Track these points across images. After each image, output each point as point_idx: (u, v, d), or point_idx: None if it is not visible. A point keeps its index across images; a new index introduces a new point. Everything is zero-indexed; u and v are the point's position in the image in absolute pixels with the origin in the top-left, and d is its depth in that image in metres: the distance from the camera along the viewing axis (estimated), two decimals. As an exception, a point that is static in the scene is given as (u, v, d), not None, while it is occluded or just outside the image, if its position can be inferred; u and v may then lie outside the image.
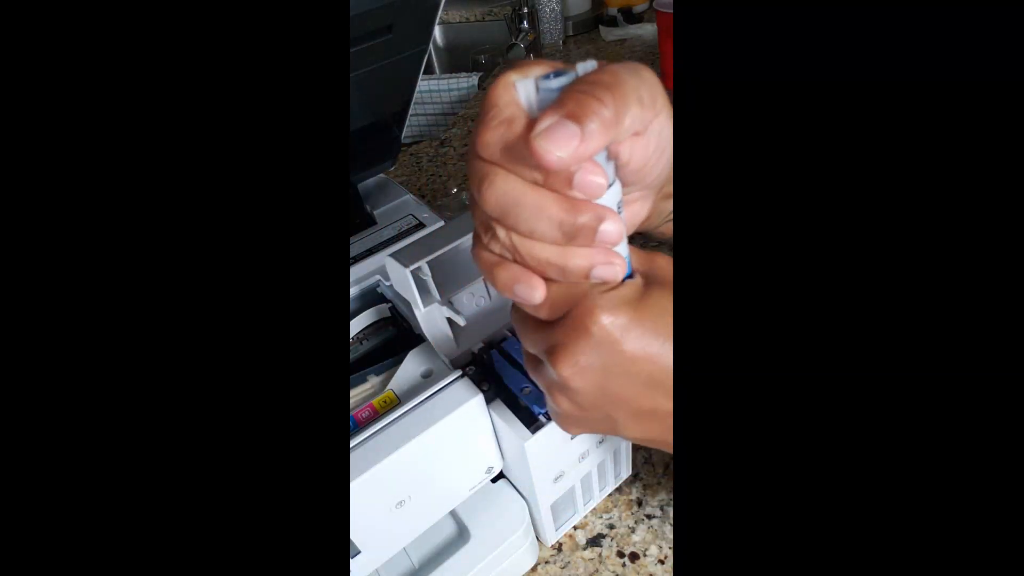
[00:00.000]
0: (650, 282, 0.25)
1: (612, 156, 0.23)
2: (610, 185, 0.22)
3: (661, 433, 0.26)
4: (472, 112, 1.11)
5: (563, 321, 0.24)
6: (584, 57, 1.16)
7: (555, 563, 0.44)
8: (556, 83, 0.21)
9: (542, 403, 0.34)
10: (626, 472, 0.47)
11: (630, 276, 0.25)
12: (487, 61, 1.41)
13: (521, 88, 0.21)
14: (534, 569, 0.44)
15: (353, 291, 0.44)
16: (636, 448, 0.48)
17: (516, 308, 0.26)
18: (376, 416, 0.34)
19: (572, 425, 0.28)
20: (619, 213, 0.23)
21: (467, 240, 0.35)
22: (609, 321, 0.23)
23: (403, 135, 0.56)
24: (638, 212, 0.29)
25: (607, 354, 0.23)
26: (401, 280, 0.34)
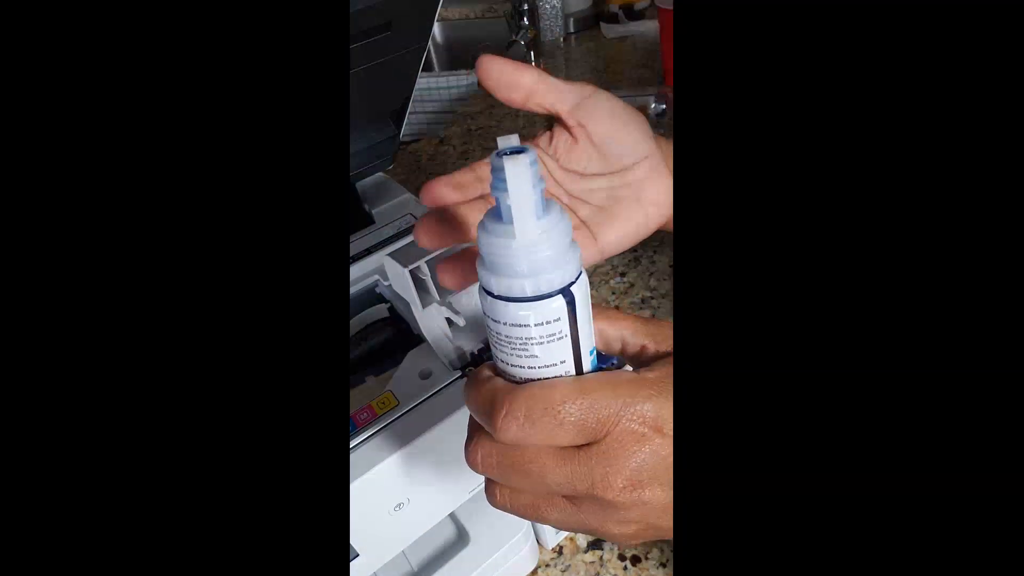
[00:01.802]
0: (662, 352, 0.23)
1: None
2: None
3: None
4: (472, 110, 1.10)
5: (603, 443, 0.20)
6: (586, 55, 1.15)
7: (555, 567, 0.44)
8: (496, 162, 0.18)
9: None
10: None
11: (615, 363, 0.24)
12: (487, 59, 1.40)
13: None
14: (534, 573, 0.44)
15: (352, 291, 0.44)
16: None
17: (513, 452, 0.22)
18: (375, 417, 0.34)
19: (644, 537, 0.23)
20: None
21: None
22: (653, 417, 0.20)
23: (402, 133, 0.55)
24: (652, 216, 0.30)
25: (659, 451, 0.21)
26: (400, 280, 0.34)
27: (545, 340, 0.21)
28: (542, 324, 0.20)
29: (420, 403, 0.34)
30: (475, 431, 0.23)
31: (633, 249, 0.71)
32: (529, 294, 0.20)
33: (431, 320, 0.37)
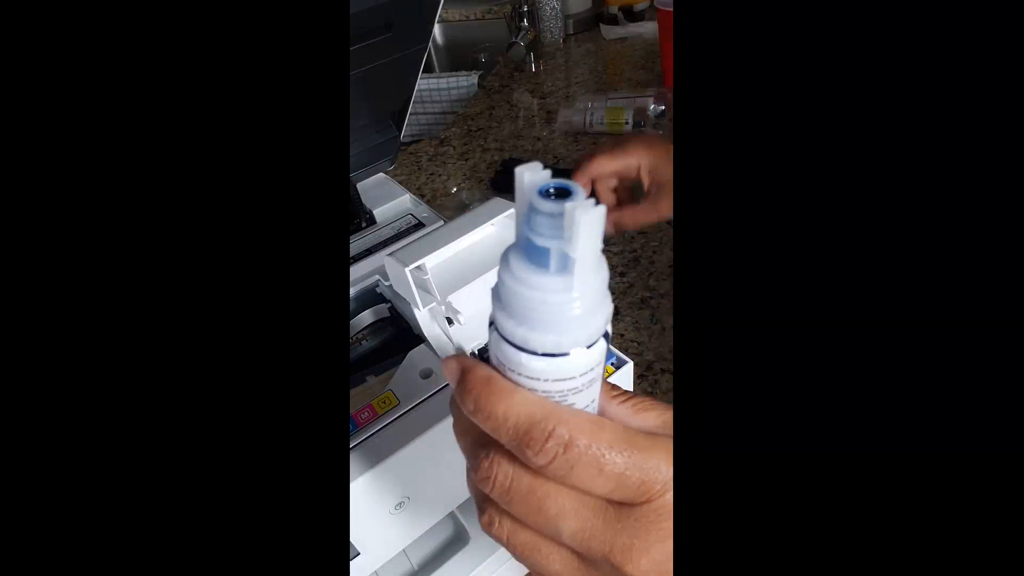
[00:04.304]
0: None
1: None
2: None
3: None
4: (472, 111, 1.11)
5: (640, 509, 0.19)
6: (585, 56, 1.15)
7: (555, 564, 0.44)
8: (549, 207, 0.16)
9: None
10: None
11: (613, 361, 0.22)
12: (487, 60, 1.41)
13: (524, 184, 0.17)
14: (534, 571, 0.44)
15: (352, 291, 0.44)
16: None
17: (535, 482, 0.19)
18: (375, 417, 0.34)
19: None
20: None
21: (467, 239, 0.35)
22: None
23: (402, 134, 0.55)
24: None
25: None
26: (400, 280, 0.34)
27: (584, 387, 0.19)
28: (586, 372, 0.19)
29: (420, 403, 0.34)
30: (489, 444, 0.20)
31: (633, 249, 0.71)
32: (580, 345, 0.18)
33: (431, 320, 0.37)
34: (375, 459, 0.31)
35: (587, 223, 0.15)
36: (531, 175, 0.16)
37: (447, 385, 0.35)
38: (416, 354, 0.38)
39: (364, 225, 0.50)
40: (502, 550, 0.40)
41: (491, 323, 0.19)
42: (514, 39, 1.19)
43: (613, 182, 0.56)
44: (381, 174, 0.56)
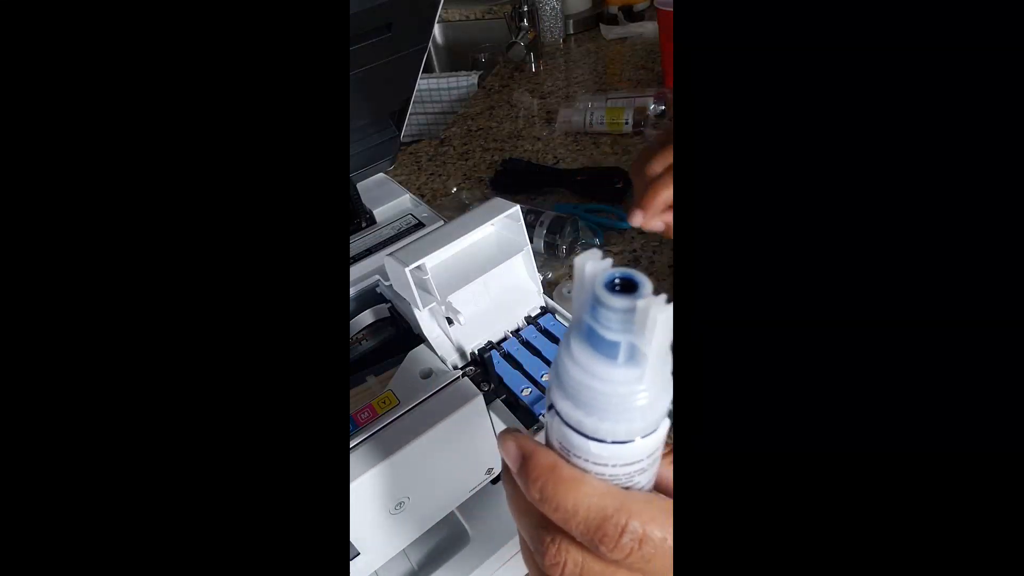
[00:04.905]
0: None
1: None
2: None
3: None
4: (472, 111, 1.11)
5: None
6: (585, 56, 1.15)
7: (555, 564, 0.44)
8: (620, 303, 0.16)
9: (542, 403, 0.34)
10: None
11: None
12: (487, 60, 1.41)
13: (586, 271, 0.17)
14: (534, 570, 0.44)
15: (352, 291, 0.44)
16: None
17: (608, 570, 0.19)
18: (375, 417, 0.34)
19: None
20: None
21: (467, 239, 0.35)
22: None
23: (402, 134, 0.55)
24: None
25: None
26: (400, 280, 0.34)
27: (650, 467, 0.19)
28: (653, 453, 0.19)
29: (420, 403, 0.34)
30: (553, 527, 0.19)
31: (633, 249, 0.71)
32: (649, 431, 0.18)
33: (431, 320, 0.37)
34: (375, 459, 0.31)
35: (663, 321, 0.15)
36: (593, 265, 0.16)
37: (447, 385, 0.35)
38: (416, 354, 0.38)
39: (364, 225, 0.50)
40: (502, 550, 0.40)
41: (550, 407, 0.19)
42: (514, 39, 1.19)
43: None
44: (381, 174, 0.56)
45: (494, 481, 0.42)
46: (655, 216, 0.44)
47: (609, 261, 0.16)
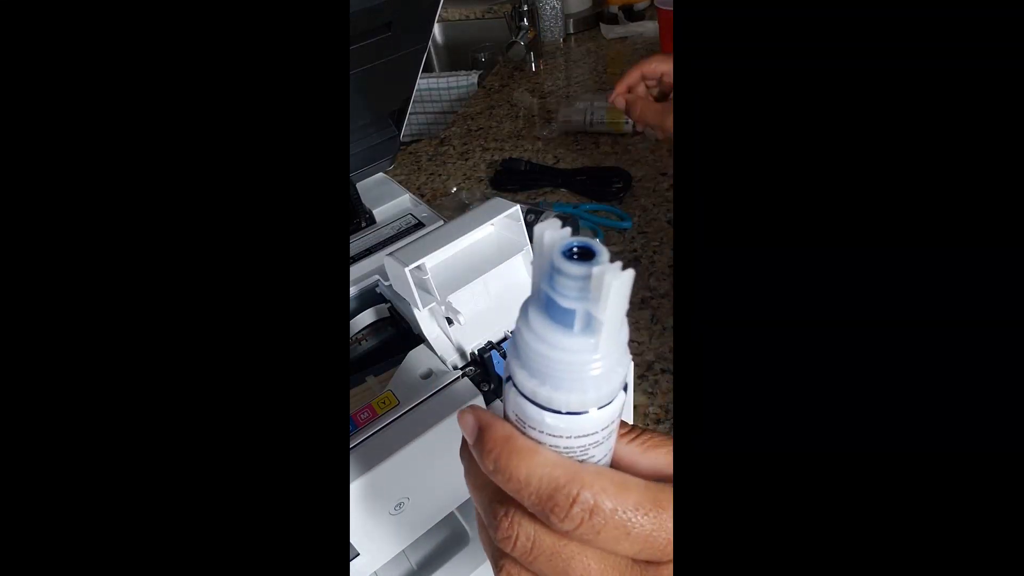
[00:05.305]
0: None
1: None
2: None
3: None
4: (472, 111, 1.11)
5: (665, 568, 0.19)
6: (585, 55, 1.15)
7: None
8: (576, 270, 0.15)
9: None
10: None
11: None
12: (487, 59, 1.41)
13: (544, 239, 0.16)
14: (534, 570, 0.44)
15: (352, 291, 0.44)
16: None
17: (558, 543, 0.19)
18: (375, 417, 0.34)
19: None
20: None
21: (467, 239, 0.35)
22: None
23: (402, 134, 0.55)
24: None
25: None
26: (400, 280, 0.34)
27: (604, 440, 0.19)
28: (608, 426, 0.18)
29: (420, 403, 0.34)
30: (508, 501, 0.19)
31: (633, 249, 0.71)
32: (603, 403, 0.18)
33: (431, 320, 0.37)
34: (375, 459, 0.31)
35: (617, 288, 0.15)
36: (552, 233, 0.16)
37: (447, 385, 0.35)
38: (416, 354, 0.38)
39: (364, 225, 0.50)
40: (502, 550, 0.40)
41: (507, 378, 0.19)
42: (514, 38, 1.19)
43: (653, 82, 0.68)
44: (381, 174, 0.56)
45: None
46: (620, 91, 0.62)
47: (568, 230, 0.16)
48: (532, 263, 0.17)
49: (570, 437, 0.18)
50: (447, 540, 0.42)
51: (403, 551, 0.41)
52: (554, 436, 0.18)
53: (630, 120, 0.90)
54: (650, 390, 0.56)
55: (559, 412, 0.18)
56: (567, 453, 0.19)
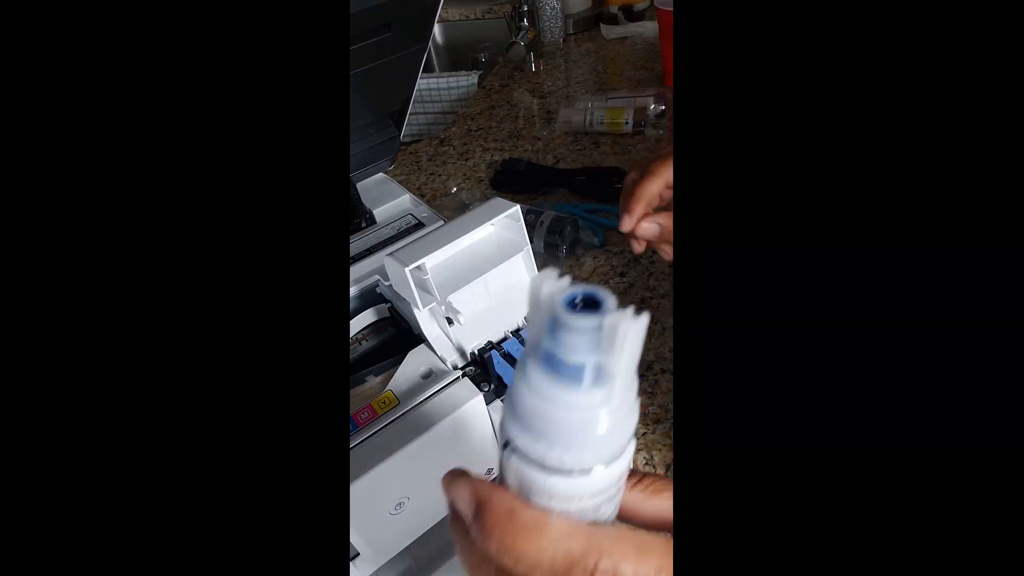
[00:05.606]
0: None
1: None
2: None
3: None
4: (472, 111, 1.11)
5: None
6: (585, 56, 1.15)
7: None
8: (586, 323, 0.14)
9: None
10: (627, 473, 0.47)
11: None
12: (487, 59, 1.41)
13: (543, 295, 0.15)
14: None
15: (352, 291, 0.44)
16: (637, 449, 0.48)
17: None
18: (375, 417, 0.34)
19: None
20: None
21: (467, 239, 0.35)
22: None
23: (402, 134, 0.55)
24: None
25: None
26: (400, 280, 0.34)
27: (617, 492, 0.18)
28: (621, 478, 0.17)
29: (420, 403, 0.34)
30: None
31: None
32: (617, 455, 0.17)
33: (431, 320, 0.37)
34: (375, 459, 0.31)
35: (633, 336, 0.14)
36: (550, 285, 0.15)
37: (447, 385, 0.35)
38: (416, 354, 0.38)
39: (364, 225, 0.50)
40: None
41: (506, 444, 0.17)
42: (514, 39, 1.19)
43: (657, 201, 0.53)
44: (381, 174, 0.56)
45: (494, 481, 0.42)
46: (640, 214, 0.42)
47: (567, 280, 0.15)
48: (527, 318, 0.16)
49: (583, 498, 0.17)
50: (447, 540, 0.42)
51: (403, 550, 0.41)
52: (566, 500, 0.17)
53: (630, 122, 0.90)
54: (650, 390, 0.56)
55: (571, 473, 0.16)
56: (579, 515, 0.17)
